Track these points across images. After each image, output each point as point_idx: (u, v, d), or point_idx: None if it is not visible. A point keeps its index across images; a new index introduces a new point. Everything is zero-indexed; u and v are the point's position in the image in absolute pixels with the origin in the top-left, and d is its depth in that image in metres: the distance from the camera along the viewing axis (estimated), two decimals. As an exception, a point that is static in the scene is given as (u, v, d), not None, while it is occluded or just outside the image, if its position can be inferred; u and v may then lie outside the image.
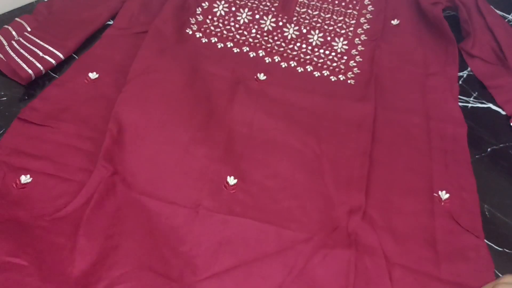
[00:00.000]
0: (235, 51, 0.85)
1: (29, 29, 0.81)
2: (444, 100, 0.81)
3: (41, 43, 0.79)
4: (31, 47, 0.78)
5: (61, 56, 0.79)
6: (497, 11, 1.02)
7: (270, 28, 0.88)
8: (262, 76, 0.80)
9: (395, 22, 0.93)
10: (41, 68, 0.77)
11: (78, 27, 0.83)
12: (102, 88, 0.75)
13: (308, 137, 0.72)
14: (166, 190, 0.64)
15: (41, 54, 0.78)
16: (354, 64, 0.85)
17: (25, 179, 0.62)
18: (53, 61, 0.78)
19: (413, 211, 0.66)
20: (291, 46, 0.86)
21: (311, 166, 0.69)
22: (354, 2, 0.94)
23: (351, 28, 0.90)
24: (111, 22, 0.89)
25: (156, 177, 0.65)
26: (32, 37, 0.79)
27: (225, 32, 0.87)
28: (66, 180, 0.63)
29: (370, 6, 0.94)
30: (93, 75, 0.77)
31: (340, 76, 0.83)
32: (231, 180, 0.66)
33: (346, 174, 0.69)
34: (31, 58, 0.76)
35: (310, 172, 0.69)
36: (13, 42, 0.78)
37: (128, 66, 0.76)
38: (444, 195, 0.68)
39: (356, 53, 0.87)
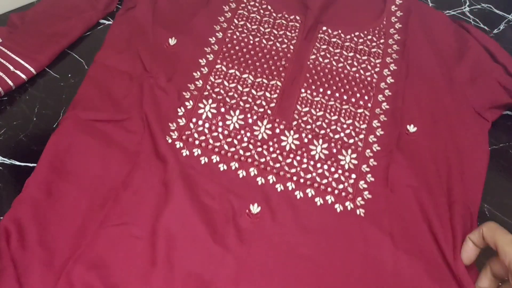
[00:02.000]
0: (221, 168, 0.69)
1: (0, 41, 0.79)
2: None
3: (12, 55, 0.76)
4: (1, 60, 0.76)
5: (33, 71, 0.77)
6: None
7: (265, 137, 0.72)
8: (255, 209, 0.66)
9: (411, 128, 0.75)
10: (11, 84, 0.75)
11: (51, 40, 0.80)
12: None
13: None
14: None
15: (12, 68, 0.75)
16: (365, 185, 0.69)
17: None
18: (24, 76, 0.76)
19: None
20: (289, 160, 0.70)
21: None
22: (366, 98, 0.78)
23: (362, 136, 0.74)
24: (88, 33, 0.86)
25: None
26: (3, 49, 0.77)
27: (211, 141, 0.71)
28: None
29: (385, 104, 0.77)
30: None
31: (347, 203, 0.67)
32: None
33: None
34: (0, 73, 0.74)
35: None
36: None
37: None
38: None
39: (368, 169, 0.71)
